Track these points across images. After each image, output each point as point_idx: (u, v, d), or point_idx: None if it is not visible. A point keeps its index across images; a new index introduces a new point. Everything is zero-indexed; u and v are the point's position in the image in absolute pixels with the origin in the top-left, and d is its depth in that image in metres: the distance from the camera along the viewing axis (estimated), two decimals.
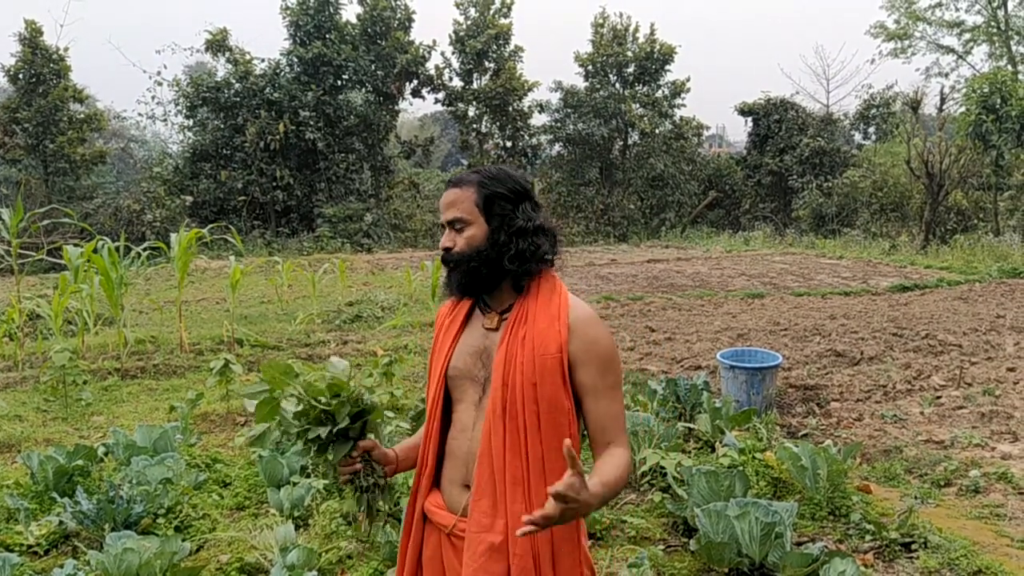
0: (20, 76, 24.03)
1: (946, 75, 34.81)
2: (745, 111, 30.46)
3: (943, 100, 27.73)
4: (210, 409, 7.16)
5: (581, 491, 1.67)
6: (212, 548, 4.24)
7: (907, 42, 33.75)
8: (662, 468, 4.92)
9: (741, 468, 4.67)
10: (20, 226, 8.93)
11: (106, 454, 5.39)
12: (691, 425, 5.97)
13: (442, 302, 2.25)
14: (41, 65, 23.98)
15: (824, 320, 11.11)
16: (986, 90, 21.75)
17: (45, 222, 11.83)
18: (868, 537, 4.28)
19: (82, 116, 25.38)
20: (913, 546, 4.16)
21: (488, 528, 1.94)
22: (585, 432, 2.06)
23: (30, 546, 4.24)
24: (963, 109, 23.38)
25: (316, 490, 4.56)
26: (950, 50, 33.71)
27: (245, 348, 9.79)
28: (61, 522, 4.35)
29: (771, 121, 29.67)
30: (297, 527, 4.34)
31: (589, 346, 1.97)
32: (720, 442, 5.51)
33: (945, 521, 4.54)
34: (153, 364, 9.01)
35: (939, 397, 7.24)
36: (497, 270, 2.03)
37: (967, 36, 32.91)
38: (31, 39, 23.91)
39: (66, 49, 24.75)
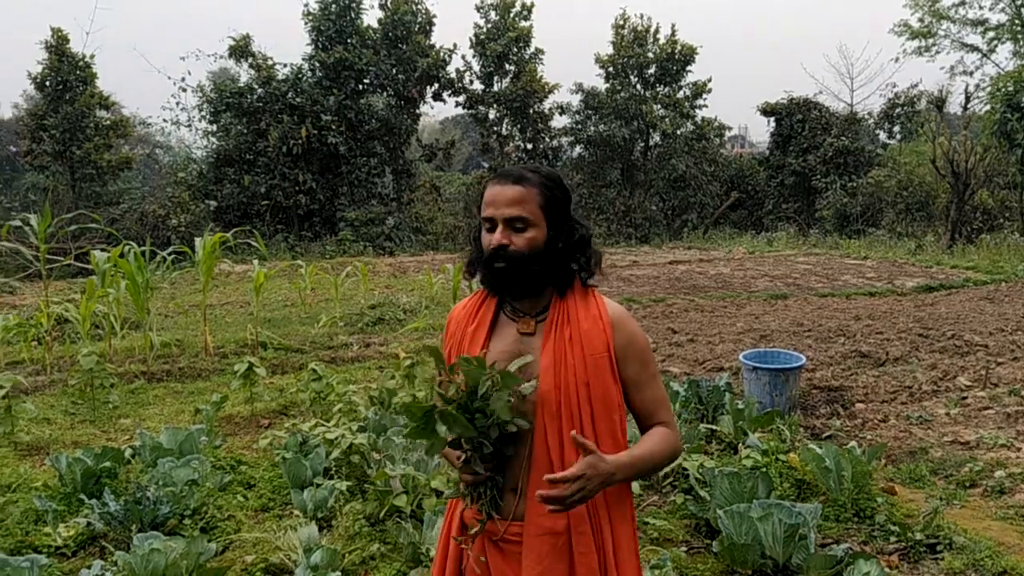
0: (47, 83, 24.36)
1: (970, 73, 34.44)
2: (767, 111, 30.29)
3: (968, 99, 27.44)
4: (234, 412, 7.23)
5: (598, 465, 1.85)
6: (237, 549, 4.28)
7: (931, 40, 33.41)
8: (684, 470, 4.91)
9: (764, 470, 4.64)
10: (48, 231, 9.05)
11: (133, 456, 5.45)
12: (713, 427, 5.95)
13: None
14: (68, 72, 24.29)
15: (849, 321, 11.02)
16: (1011, 88, 21.48)
17: (72, 227, 11.95)
18: (893, 538, 4.25)
19: (108, 122, 25.69)
20: (938, 547, 4.13)
21: (549, 530, 1.96)
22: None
23: (58, 547, 4.29)
24: (988, 107, 23.13)
25: (339, 491, 4.59)
26: (974, 48, 33.33)
27: (269, 351, 9.86)
28: (89, 523, 4.41)
29: (794, 121, 29.48)
30: (320, 528, 4.38)
31: (629, 342, 2.05)
32: (743, 444, 5.49)
33: (970, 522, 4.49)
34: (178, 367, 9.11)
35: (965, 398, 7.16)
36: (548, 274, 2.04)
37: (991, 34, 32.54)
38: (58, 47, 24.23)
39: (92, 56, 25.07)
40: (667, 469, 4.96)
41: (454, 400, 1.84)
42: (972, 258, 18.88)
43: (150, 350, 9.19)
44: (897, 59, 53.28)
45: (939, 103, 26.66)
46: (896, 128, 30.49)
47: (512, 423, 1.86)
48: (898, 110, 29.71)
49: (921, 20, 33.28)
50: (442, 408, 1.84)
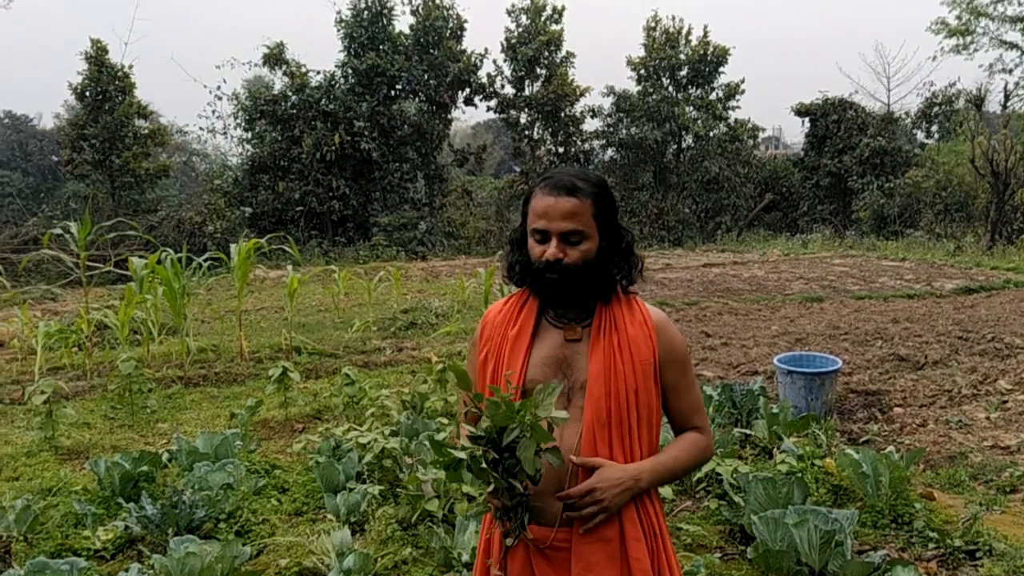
0: (87, 94, 24.82)
1: (1010, 71, 33.68)
2: (802, 112, 29.95)
3: (1007, 97, 26.91)
4: (269, 416, 7.30)
5: (609, 476, 1.90)
6: (271, 553, 4.32)
7: (969, 38, 32.73)
8: (718, 475, 4.86)
9: (799, 475, 4.59)
10: (88, 239, 9.22)
11: (170, 460, 5.52)
12: (747, 431, 5.89)
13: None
14: (107, 82, 24.73)
15: (886, 323, 10.86)
16: None
17: (111, 235, 12.18)
18: (931, 545, 4.17)
19: (146, 131, 26.10)
20: (978, 554, 4.05)
21: (600, 536, 1.94)
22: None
23: (97, 550, 4.36)
24: None
25: (372, 496, 4.61)
26: (1013, 46, 32.62)
27: (303, 356, 9.95)
28: (127, 527, 4.47)
29: (829, 121, 29.12)
30: (353, 532, 4.40)
31: (671, 348, 2.07)
32: (778, 448, 5.43)
33: (1011, 528, 4.40)
34: (215, 372, 9.21)
35: (1006, 402, 7.02)
36: (598, 282, 2.05)
37: None
38: (97, 57, 24.68)
39: (130, 66, 25.51)
40: (700, 474, 4.92)
41: (483, 437, 1.79)
42: (1013, 259, 18.52)
43: (187, 355, 9.31)
44: (934, 57, 52.19)
45: (978, 102, 26.20)
46: (934, 128, 30.00)
47: (539, 473, 1.80)
48: (936, 109, 29.24)
49: (959, 18, 32.65)
50: (470, 455, 1.80)
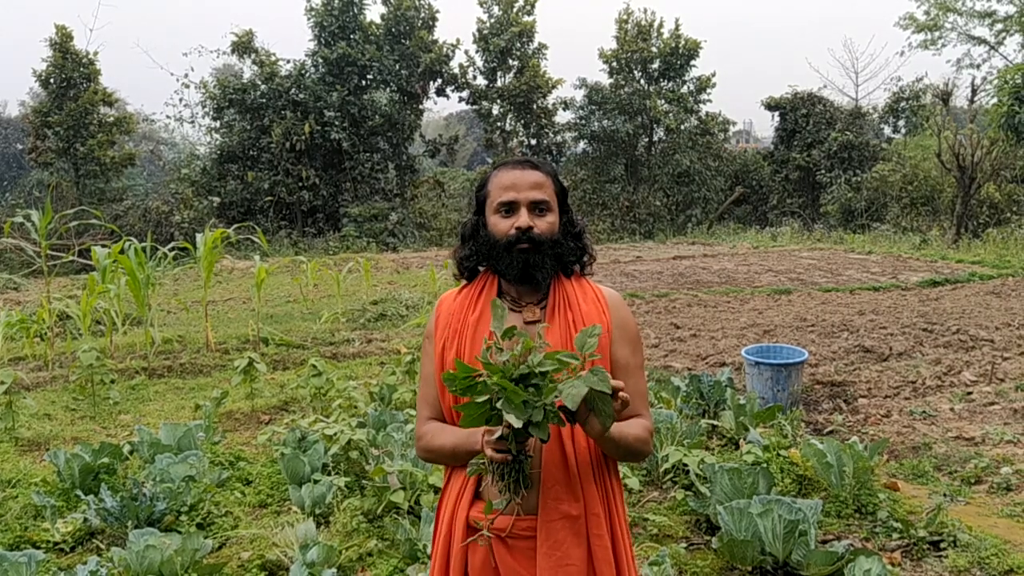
0: (51, 81, 24.42)
1: (977, 66, 34.21)
2: (772, 106, 30.16)
3: (974, 91, 27.26)
4: (235, 407, 7.21)
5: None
6: (234, 545, 4.26)
7: (937, 33, 33.15)
8: (685, 465, 4.87)
9: (765, 465, 4.60)
10: (49, 228, 9.05)
11: (131, 452, 5.44)
12: (715, 422, 5.92)
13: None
14: (72, 70, 24.34)
15: (852, 316, 10.96)
16: (1019, 81, 21.30)
17: (74, 223, 11.98)
18: (895, 535, 4.21)
19: (112, 119, 25.73)
20: (942, 544, 4.08)
21: (565, 514, 1.92)
22: None
23: (56, 543, 4.28)
24: (995, 100, 22.93)
25: (337, 487, 4.56)
26: (982, 41, 33.08)
27: (270, 347, 9.85)
28: (86, 519, 4.39)
29: (798, 115, 29.37)
30: (318, 524, 4.36)
31: (624, 325, 2.07)
32: (744, 439, 5.45)
33: (975, 519, 4.45)
34: (180, 363, 9.09)
35: (970, 393, 7.10)
36: (559, 260, 2.08)
37: (999, 26, 32.27)
38: (62, 44, 24.28)
39: (96, 53, 25.16)
40: (667, 464, 4.92)
41: (508, 372, 1.67)
42: (978, 252, 18.78)
43: (151, 346, 9.18)
44: (902, 53, 53.03)
45: (945, 96, 26.51)
46: (901, 122, 30.35)
47: (566, 417, 1.71)
48: (903, 104, 29.57)
49: (927, 13, 33.04)
50: (502, 388, 1.65)
